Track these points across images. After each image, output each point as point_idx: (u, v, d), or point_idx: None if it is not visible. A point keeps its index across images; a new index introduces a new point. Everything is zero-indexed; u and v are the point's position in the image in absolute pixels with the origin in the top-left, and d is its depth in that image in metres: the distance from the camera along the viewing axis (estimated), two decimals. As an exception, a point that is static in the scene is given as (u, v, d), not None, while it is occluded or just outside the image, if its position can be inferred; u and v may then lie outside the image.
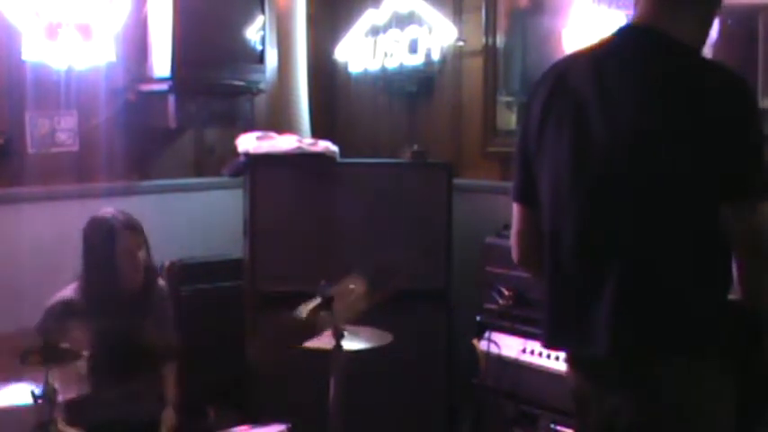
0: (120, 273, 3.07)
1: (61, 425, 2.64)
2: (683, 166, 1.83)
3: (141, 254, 3.12)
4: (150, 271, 3.20)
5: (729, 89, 1.86)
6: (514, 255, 2.20)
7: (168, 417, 3.11)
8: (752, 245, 1.83)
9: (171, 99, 3.85)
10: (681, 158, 1.83)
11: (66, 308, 3.03)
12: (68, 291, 3.09)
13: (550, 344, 2.15)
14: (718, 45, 2.84)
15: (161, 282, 3.30)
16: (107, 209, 3.16)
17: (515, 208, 2.17)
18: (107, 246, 3.06)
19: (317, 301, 2.60)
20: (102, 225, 3.09)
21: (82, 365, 2.59)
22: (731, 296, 1.90)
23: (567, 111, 1.97)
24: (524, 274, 3.21)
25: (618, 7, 3.31)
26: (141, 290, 3.15)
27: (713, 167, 1.82)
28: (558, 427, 3.09)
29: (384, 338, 2.80)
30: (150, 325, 3.14)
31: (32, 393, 2.41)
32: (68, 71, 3.73)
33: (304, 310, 2.59)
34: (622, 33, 2.04)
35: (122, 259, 3.07)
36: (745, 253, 1.84)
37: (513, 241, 2.20)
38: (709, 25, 2.01)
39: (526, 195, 2.12)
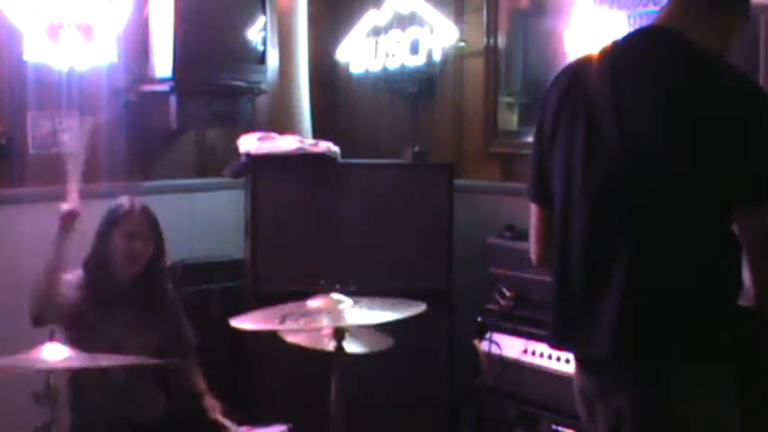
0: (115, 255, 3.05)
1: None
2: (693, 168, 1.83)
3: (142, 244, 3.08)
4: (156, 270, 3.16)
5: (744, 93, 1.85)
6: (533, 256, 2.19)
7: (212, 404, 3.13)
8: (765, 248, 1.83)
9: (172, 99, 3.85)
10: (692, 161, 1.83)
11: (69, 293, 3.03)
12: (74, 275, 3.07)
13: (556, 343, 2.15)
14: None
15: (169, 286, 3.27)
16: (126, 197, 3.17)
17: (532, 208, 2.17)
18: (110, 226, 3.06)
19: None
20: (113, 207, 3.10)
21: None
22: (742, 303, 1.90)
23: (581, 111, 1.97)
24: (526, 275, 3.24)
25: (619, 8, 3.31)
26: (139, 285, 3.11)
27: (724, 170, 1.81)
28: (560, 428, 3.09)
29: (385, 342, 2.80)
30: (154, 329, 3.12)
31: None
32: (70, 71, 3.73)
33: None
34: (640, 34, 2.04)
35: (120, 241, 3.05)
36: (758, 256, 1.84)
37: (532, 243, 2.19)
38: (731, 35, 2.00)
39: (541, 195, 2.12)
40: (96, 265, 3.06)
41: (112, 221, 3.07)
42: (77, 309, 2.98)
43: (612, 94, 1.92)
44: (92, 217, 3.61)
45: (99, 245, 3.07)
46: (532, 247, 2.19)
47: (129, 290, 3.07)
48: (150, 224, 3.11)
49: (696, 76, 1.88)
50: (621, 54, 1.98)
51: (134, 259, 3.06)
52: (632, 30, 2.05)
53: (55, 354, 2.46)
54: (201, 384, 3.20)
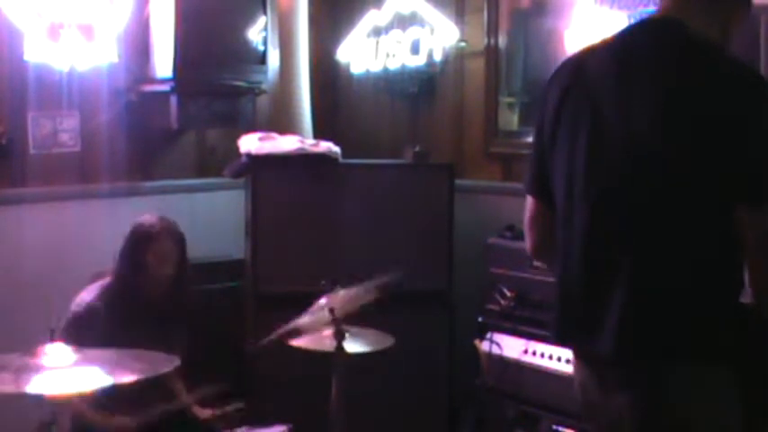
0: (143, 280, 3.04)
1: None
2: (693, 167, 1.82)
3: (171, 269, 3.04)
4: (177, 289, 3.11)
5: (747, 87, 1.83)
6: (528, 244, 2.18)
7: (204, 412, 3.15)
8: (765, 248, 1.82)
9: (173, 100, 3.85)
10: (692, 160, 1.82)
11: (90, 315, 3.00)
12: (92, 295, 3.05)
13: (559, 340, 2.14)
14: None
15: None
16: (152, 215, 3.13)
17: (528, 199, 2.16)
18: (139, 252, 3.03)
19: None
20: (142, 228, 3.06)
21: None
22: (744, 300, 1.89)
23: (583, 107, 1.95)
24: (526, 275, 3.24)
25: (620, 8, 3.31)
26: (159, 304, 3.08)
27: (725, 170, 1.80)
28: (560, 428, 3.09)
29: (385, 341, 2.80)
30: (166, 342, 3.12)
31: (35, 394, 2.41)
32: (70, 72, 3.73)
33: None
34: (641, 26, 2.02)
35: (150, 266, 3.00)
36: (758, 256, 1.83)
37: (525, 231, 2.18)
38: (731, 27, 1.98)
39: (538, 189, 2.11)
40: (124, 287, 3.04)
41: (140, 244, 3.03)
42: (105, 329, 2.98)
43: (614, 90, 1.91)
44: (92, 218, 3.63)
45: (128, 269, 3.03)
46: (527, 239, 2.18)
47: (150, 309, 3.07)
48: (180, 248, 3.09)
49: (696, 72, 1.87)
50: (622, 48, 1.97)
51: (162, 282, 3.06)
52: (634, 22, 2.02)
53: (58, 360, 2.43)
54: (189, 397, 3.19)
